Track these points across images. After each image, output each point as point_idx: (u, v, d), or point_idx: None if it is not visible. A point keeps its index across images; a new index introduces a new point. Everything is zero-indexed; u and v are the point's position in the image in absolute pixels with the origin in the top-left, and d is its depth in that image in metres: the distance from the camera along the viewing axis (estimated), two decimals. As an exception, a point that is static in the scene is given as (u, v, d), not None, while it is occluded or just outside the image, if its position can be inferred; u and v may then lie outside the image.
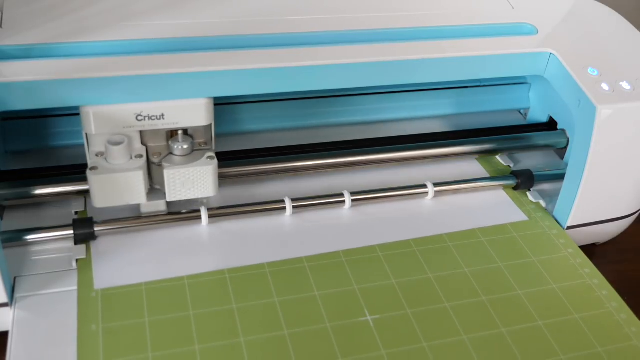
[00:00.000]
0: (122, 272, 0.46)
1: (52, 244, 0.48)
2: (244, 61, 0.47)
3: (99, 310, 0.43)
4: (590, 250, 0.57)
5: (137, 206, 0.50)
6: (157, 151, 0.48)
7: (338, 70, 0.49)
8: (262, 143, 0.58)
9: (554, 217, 0.55)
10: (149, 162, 0.48)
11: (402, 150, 0.58)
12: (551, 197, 0.57)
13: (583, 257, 0.52)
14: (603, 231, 0.57)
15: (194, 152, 0.48)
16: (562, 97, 0.53)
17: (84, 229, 0.48)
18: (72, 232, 0.48)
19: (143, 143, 0.47)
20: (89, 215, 0.50)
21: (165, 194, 0.48)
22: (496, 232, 0.53)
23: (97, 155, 0.46)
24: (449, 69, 0.52)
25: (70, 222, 0.49)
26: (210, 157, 0.48)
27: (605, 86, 0.50)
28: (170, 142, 0.48)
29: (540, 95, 0.65)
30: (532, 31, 0.55)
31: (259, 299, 0.45)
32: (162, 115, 0.46)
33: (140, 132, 0.47)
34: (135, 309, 0.44)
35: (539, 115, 0.65)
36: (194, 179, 0.48)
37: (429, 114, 0.65)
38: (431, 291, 0.47)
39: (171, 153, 0.48)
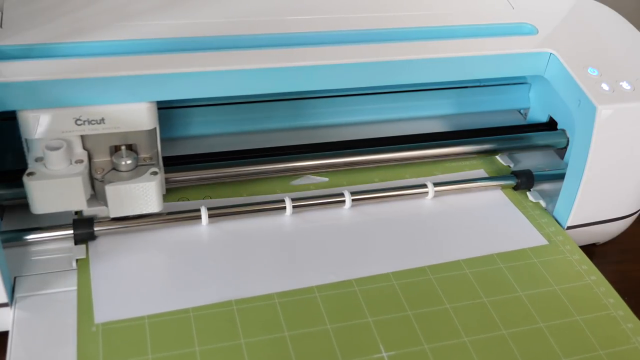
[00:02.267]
0: (123, 299, 0.44)
1: (52, 244, 0.48)
2: (243, 61, 0.47)
3: (100, 348, 0.41)
4: (590, 250, 0.57)
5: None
6: (100, 166, 0.47)
7: (338, 70, 0.49)
8: (262, 143, 0.58)
9: (554, 217, 0.55)
10: (92, 178, 0.47)
11: (402, 150, 0.58)
12: (551, 197, 0.57)
13: (607, 286, 0.49)
14: (603, 231, 0.57)
15: (138, 168, 0.47)
16: (562, 97, 0.53)
17: (84, 229, 0.48)
18: (72, 232, 0.48)
19: (85, 149, 0.46)
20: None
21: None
22: (515, 258, 0.51)
23: (36, 160, 0.45)
24: (448, 69, 0.52)
25: (70, 222, 0.49)
26: (153, 173, 0.47)
27: (605, 86, 0.50)
28: (113, 158, 0.47)
29: (540, 95, 0.65)
30: (532, 31, 0.55)
31: (268, 333, 0.43)
32: (102, 119, 0.44)
33: (84, 144, 0.46)
34: (137, 345, 0.41)
35: (539, 115, 0.65)
36: (136, 195, 0.46)
37: (429, 114, 0.65)
38: (449, 324, 0.45)
39: (114, 169, 0.47)
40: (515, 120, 0.67)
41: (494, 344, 0.44)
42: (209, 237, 0.50)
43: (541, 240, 0.53)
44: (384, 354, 0.42)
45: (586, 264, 0.51)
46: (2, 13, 0.49)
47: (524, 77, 0.66)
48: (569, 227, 0.54)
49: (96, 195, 0.48)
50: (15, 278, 0.46)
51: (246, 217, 0.52)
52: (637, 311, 0.47)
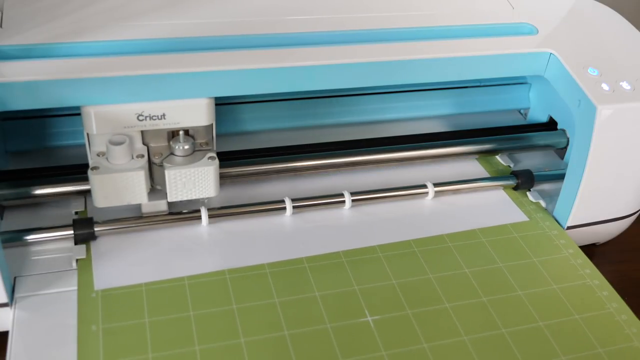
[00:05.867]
0: (122, 273, 0.46)
1: (52, 244, 0.48)
2: (244, 61, 0.47)
3: (99, 311, 0.43)
4: (590, 250, 0.57)
5: (138, 206, 0.50)
6: (158, 151, 0.48)
7: (338, 70, 0.49)
8: (262, 143, 0.58)
9: (554, 217, 0.55)
10: (150, 162, 0.48)
11: (402, 150, 0.58)
12: (551, 197, 0.57)
13: (584, 258, 0.51)
14: (603, 231, 0.57)
15: (195, 153, 0.48)
16: (562, 97, 0.53)
17: (84, 229, 0.48)
18: (72, 232, 0.48)
19: (144, 143, 0.47)
20: (89, 215, 0.50)
21: (166, 194, 0.48)
22: (497, 233, 0.53)
23: (98, 155, 0.47)
24: (449, 69, 0.52)
25: (70, 222, 0.49)
26: (211, 158, 0.48)
27: (605, 86, 0.50)
28: (171, 143, 0.48)
29: (540, 95, 0.65)
30: (532, 31, 0.55)
31: (260, 299, 0.45)
32: (164, 115, 0.46)
33: (142, 132, 0.47)
34: (135, 310, 0.44)
35: (539, 115, 0.65)
36: (195, 180, 0.48)
37: (429, 114, 0.65)
38: (432, 292, 0.47)
39: (172, 153, 0.48)
40: (515, 120, 0.67)
41: (474, 309, 0.46)
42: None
43: (522, 217, 0.55)
44: (369, 318, 0.45)
45: (564, 239, 0.53)
46: (2, 13, 0.49)
47: (524, 77, 0.66)
48: (569, 227, 0.54)
49: (154, 180, 0.49)
50: (15, 278, 0.46)
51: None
52: (638, 311, 0.47)
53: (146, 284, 0.45)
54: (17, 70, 0.43)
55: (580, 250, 0.52)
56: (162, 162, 0.47)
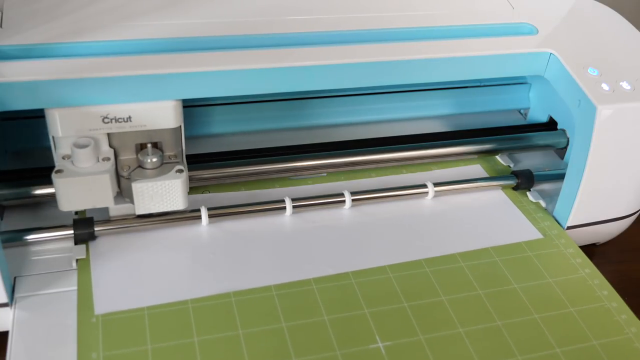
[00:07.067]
0: (122, 292, 0.45)
1: (52, 244, 0.48)
2: (243, 61, 0.47)
3: (100, 337, 0.42)
4: (590, 250, 0.57)
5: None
6: (126, 164, 0.47)
7: (337, 70, 0.49)
8: (262, 143, 0.58)
9: (554, 217, 0.55)
10: (118, 175, 0.47)
11: (402, 150, 0.58)
12: (551, 197, 0.57)
13: (601, 279, 0.50)
14: (603, 231, 0.57)
15: (163, 165, 0.47)
16: (562, 97, 0.53)
17: (84, 229, 0.48)
18: (72, 232, 0.48)
19: (111, 147, 0.47)
20: (89, 215, 0.50)
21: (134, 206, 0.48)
22: (510, 252, 0.51)
23: (63, 158, 0.45)
24: (448, 69, 0.52)
25: (70, 222, 0.49)
26: (179, 171, 0.47)
27: (605, 86, 0.50)
28: (139, 155, 0.47)
29: (540, 95, 0.65)
30: (532, 31, 0.55)
31: (266, 324, 0.44)
32: (129, 117, 0.45)
33: (110, 141, 0.46)
34: (137, 336, 0.42)
35: (539, 115, 0.65)
36: (162, 193, 0.47)
37: (429, 114, 0.65)
38: (444, 315, 0.45)
39: (140, 166, 0.47)
40: (515, 120, 0.67)
41: (488, 334, 0.44)
42: (209, 237, 0.50)
43: (536, 234, 0.53)
44: (380, 344, 0.43)
45: (580, 257, 0.52)
46: (2, 13, 0.49)
47: (524, 77, 0.66)
48: (569, 227, 0.54)
49: (122, 192, 0.48)
50: (15, 278, 0.46)
51: (246, 218, 0.52)
52: (638, 311, 0.47)
53: (148, 308, 0.44)
54: (17, 70, 0.43)
55: (597, 270, 0.50)
56: (129, 175, 0.47)
